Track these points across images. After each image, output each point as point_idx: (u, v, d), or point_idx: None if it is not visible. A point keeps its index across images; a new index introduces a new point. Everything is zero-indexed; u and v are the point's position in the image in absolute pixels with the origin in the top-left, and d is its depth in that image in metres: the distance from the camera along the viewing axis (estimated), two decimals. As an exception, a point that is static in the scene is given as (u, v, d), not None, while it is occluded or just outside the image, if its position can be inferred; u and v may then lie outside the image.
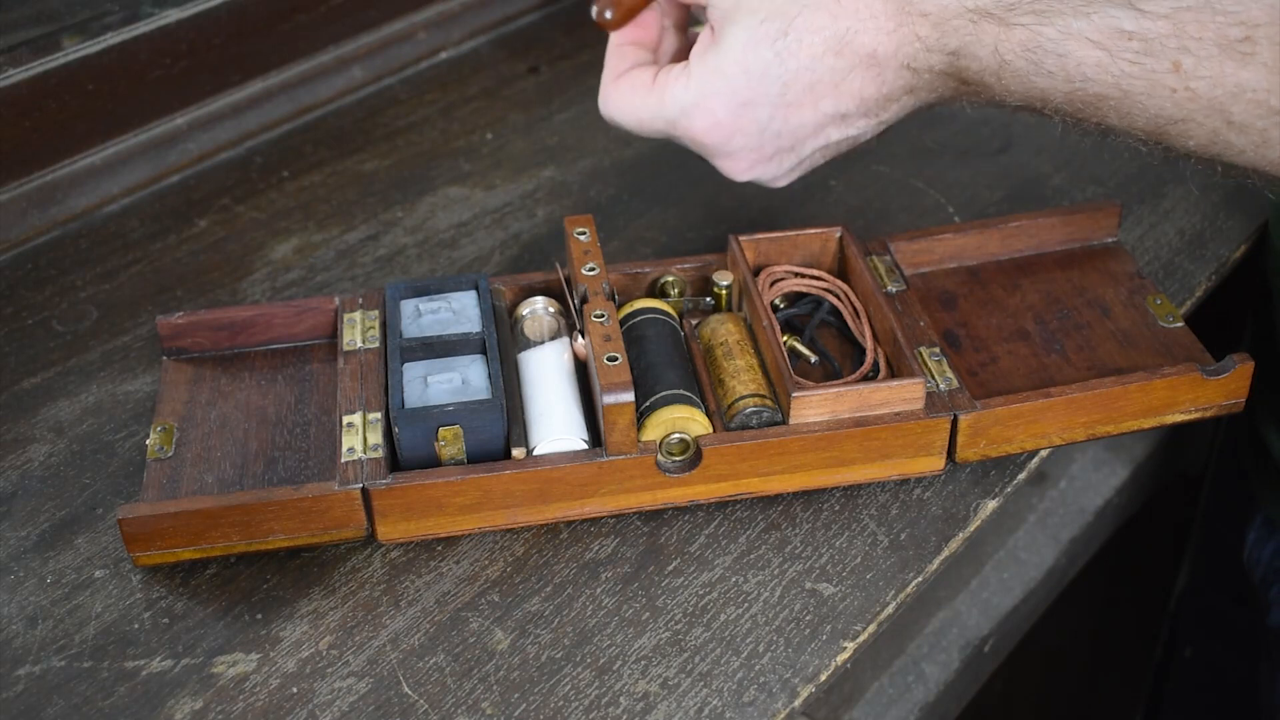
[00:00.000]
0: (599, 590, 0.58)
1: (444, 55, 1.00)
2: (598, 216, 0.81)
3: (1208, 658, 1.09)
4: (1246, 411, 0.67)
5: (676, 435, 0.59)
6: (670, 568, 0.59)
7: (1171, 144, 0.57)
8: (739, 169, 0.63)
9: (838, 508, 0.61)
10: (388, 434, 0.60)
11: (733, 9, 0.60)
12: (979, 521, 0.61)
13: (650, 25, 0.67)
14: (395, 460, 0.60)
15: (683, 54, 0.67)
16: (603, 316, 0.61)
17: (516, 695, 0.54)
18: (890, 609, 0.57)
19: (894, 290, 0.68)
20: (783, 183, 0.65)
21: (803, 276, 0.69)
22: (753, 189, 0.83)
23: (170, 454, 0.62)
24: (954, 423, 0.61)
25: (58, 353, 0.72)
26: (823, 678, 0.55)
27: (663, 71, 0.63)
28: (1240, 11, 0.53)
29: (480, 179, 0.86)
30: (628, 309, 0.66)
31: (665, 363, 0.63)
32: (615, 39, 0.67)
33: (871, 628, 0.56)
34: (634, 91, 0.63)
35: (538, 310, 0.67)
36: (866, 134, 0.62)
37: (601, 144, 0.89)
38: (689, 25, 0.69)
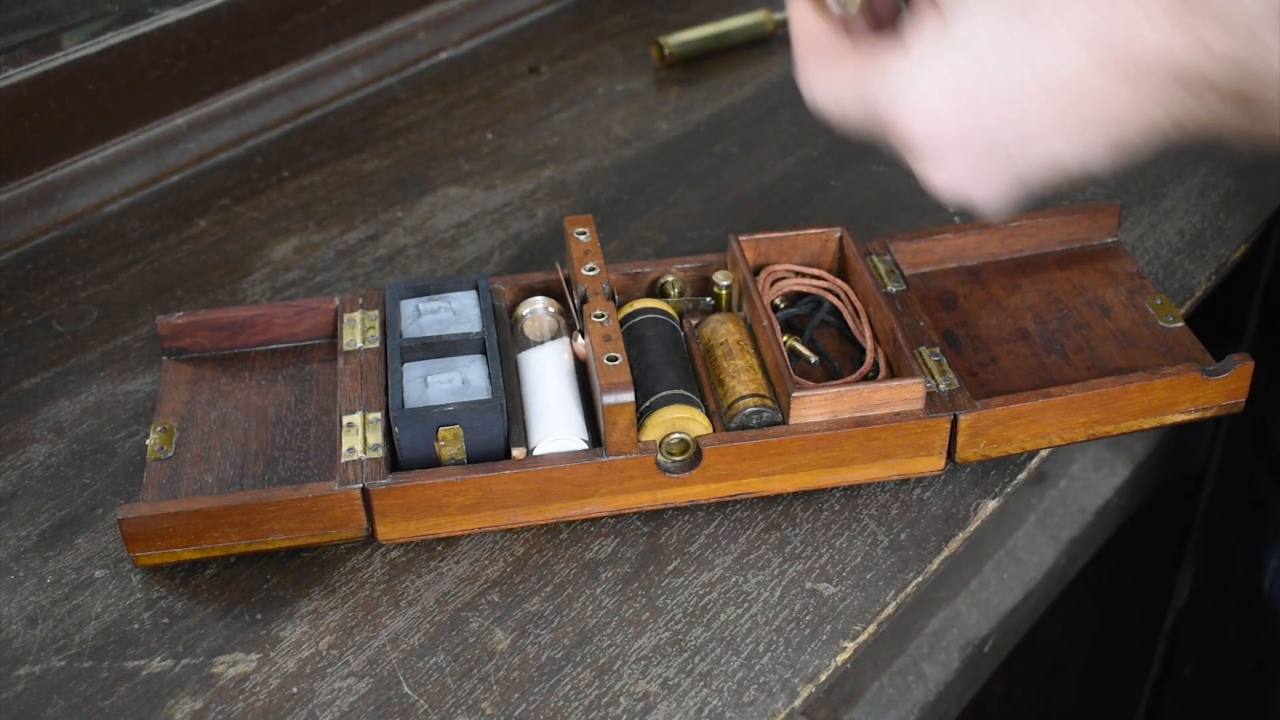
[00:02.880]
0: (599, 590, 0.58)
1: (444, 55, 1.00)
2: (598, 216, 0.81)
3: (1208, 671, 1.08)
4: (1248, 410, 0.67)
5: (676, 435, 0.59)
6: (670, 568, 0.59)
7: None
8: (943, 177, 0.52)
9: (838, 508, 0.61)
10: (388, 434, 0.60)
11: None
12: (979, 521, 0.61)
13: None
14: (395, 460, 0.60)
15: (880, 23, 0.56)
16: (603, 316, 0.61)
17: (516, 695, 0.54)
18: (890, 609, 0.57)
19: (894, 290, 0.68)
20: (989, 205, 0.54)
21: (803, 275, 0.69)
22: (752, 188, 0.84)
23: (170, 454, 0.62)
24: (954, 423, 0.61)
25: (58, 353, 0.72)
26: (823, 678, 0.55)
27: (870, 44, 0.53)
28: None
29: (480, 179, 0.86)
30: (628, 309, 0.66)
31: (665, 363, 0.63)
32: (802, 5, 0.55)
33: (871, 628, 0.56)
34: (837, 63, 0.53)
35: (538, 310, 0.67)
36: (1098, 157, 0.51)
37: (601, 144, 0.89)
38: None
